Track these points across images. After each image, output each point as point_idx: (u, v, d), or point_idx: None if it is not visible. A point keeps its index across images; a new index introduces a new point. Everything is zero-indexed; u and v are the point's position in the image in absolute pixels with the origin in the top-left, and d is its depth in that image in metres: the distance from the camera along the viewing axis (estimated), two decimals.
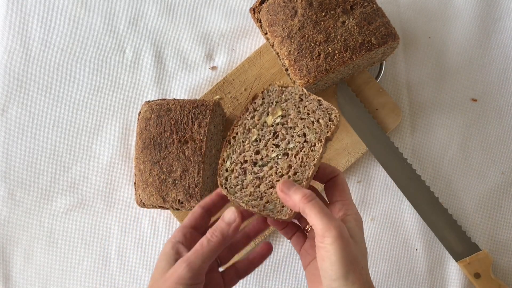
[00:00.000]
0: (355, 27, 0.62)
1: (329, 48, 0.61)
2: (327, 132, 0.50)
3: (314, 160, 0.50)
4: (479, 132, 0.72)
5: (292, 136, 0.51)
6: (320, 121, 0.51)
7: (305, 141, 0.51)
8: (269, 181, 0.51)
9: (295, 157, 0.51)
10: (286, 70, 0.65)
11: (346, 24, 0.62)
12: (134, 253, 0.72)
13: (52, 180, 0.73)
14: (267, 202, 0.50)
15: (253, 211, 0.50)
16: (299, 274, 0.70)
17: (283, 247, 0.70)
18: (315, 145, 0.50)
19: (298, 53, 0.62)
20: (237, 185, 0.51)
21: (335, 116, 0.50)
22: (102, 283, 0.71)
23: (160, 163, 0.62)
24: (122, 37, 0.76)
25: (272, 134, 0.52)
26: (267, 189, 0.51)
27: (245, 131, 0.53)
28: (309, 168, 0.50)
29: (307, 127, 0.51)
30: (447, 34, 0.73)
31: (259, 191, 0.51)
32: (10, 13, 0.76)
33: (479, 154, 0.71)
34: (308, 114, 0.51)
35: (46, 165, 0.73)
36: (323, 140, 0.50)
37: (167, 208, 0.64)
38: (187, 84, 0.74)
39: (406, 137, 0.72)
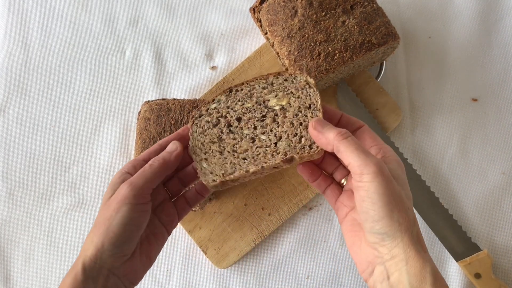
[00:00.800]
0: (355, 27, 0.61)
1: (329, 48, 0.61)
2: (297, 153, 0.48)
3: (266, 163, 0.49)
4: (479, 132, 0.72)
5: (271, 131, 0.50)
6: (302, 140, 0.49)
7: (275, 144, 0.50)
8: (223, 147, 0.51)
9: (256, 148, 0.50)
10: (286, 69, 0.65)
11: (346, 23, 0.62)
12: None
13: (52, 180, 0.73)
14: (206, 159, 0.51)
15: (192, 154, 0.51)
16: (299, 274, 0.70)
17: (283, 247, 0.70)
18: (278, 153, 0.49)
19: (298, 52, 0.62)
20: (201, 128, 0.52)
21: (315, 151, 0.47)
22: None
23: None
24: (122, 37, 0.75)
25: (261, 115, 0.51)
26: (215, 150, 0.51)
27: (248, 93, 0.52)
28: (257, 165, 0.49)
29: (288, 134, 0.50)
30: (448, 34, 0.73)
31: (209, 147, 0.51)
32: (9, 13, 0.76)
33: (479, 154, 0.71)
34: (301, 124, 0.49)
35: (45, 165, 0.73)
36: (287, 156, 0.48)
37: None
38: (187, 84, 0.74)
39: (406, 137, 0.72)
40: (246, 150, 0.50)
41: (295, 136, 0.49)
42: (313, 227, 0.71)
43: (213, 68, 0.74)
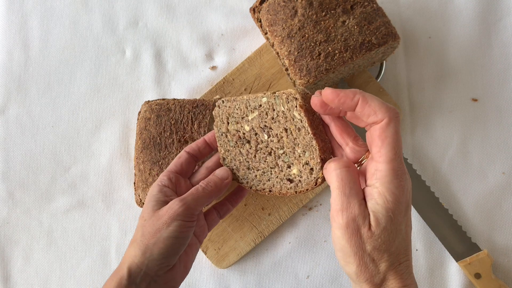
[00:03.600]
0: (355, 27, 0.61)
1: (329, 48, 0.61)
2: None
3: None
4: (479, 132, 0.71)
5: (264, 142, 0.49)
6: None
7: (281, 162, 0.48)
8: (236, 143, 0.51)
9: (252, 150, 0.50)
10: (286, 70, 0.65)
11: (346, 23, 0.62)
12: None
13: (52, 180, 0.73)
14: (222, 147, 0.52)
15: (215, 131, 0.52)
16: (299, 274, 0.70)
17: (283, 247, 0.70)
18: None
19: (298, 52, 0.62)
20: (219, 116, 0.52)
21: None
22: (102, 283, 0.71)
23: (160, 163, 0.62)
24: (122, 37, 0.75)
25: (269, 117, 0.49)
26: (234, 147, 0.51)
27: (270, 105, 0.48)
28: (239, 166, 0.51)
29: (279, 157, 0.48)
30: (448, 34, 0.73)
31: (229, 145, 0.51)
32: (9, 13, 0.76)
33: (479, 154, 0.71)
34: (295, 150, 0.47)
35: (45, 165, 0.73)
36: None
37: None
38: (187, 84, 0.74)
39: (406, 137, 0.72)
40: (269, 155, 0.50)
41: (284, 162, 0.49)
42: (313, 227, 0.71)
43: (213, 68, 0.74)
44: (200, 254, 0.70)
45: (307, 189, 0.47)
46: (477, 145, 0.71)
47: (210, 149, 0.54)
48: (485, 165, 0.71)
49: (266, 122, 0.49)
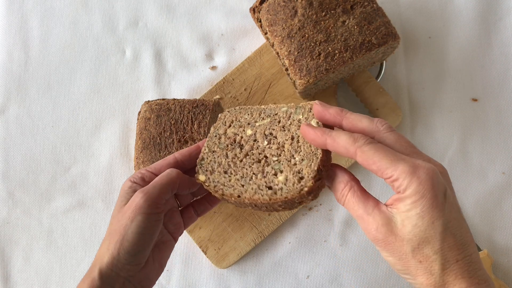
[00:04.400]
0: (355, 27, 0.61)
1: (329, 48, 0.61)
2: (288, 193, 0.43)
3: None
4: (479, 132, 0.71)
5: (268, 150, 0.47)
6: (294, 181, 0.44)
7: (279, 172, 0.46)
8: (238, 158, 0.48)
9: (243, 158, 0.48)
10: (286, 70, 0.65)
11: (346, 23, 0.62)
12: None
13: (52, 180, 0.73)
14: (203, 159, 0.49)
15: (201, 154, 0.50)
16: (299, 274, 0.70)
17: (283, 247, 0.70)
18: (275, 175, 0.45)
19: (298, 52, 0.62)
20: (216, 129, 0.51)
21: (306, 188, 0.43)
22: None
23: None
24: (122, 37, 0.75)
25: (276, 123, 0.48)
26: (232, 160, 0.49)
27: (271, 112, 0.49)
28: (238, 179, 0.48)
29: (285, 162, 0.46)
30: (448, 34, 0.73)
31: (227, 159, 0.49)
32: (9, 13, 0.76)
33: (479, 154, 0.71)
34: (293, 157, 0.45)
35: (45, 165, 0.73)
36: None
37: None
38: (187, 84, 0.74)
39: (406, 137, 0.71)
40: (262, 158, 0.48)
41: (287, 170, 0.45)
42: (313, 227, 0.71)
43: (213, 68, 0.74)
44: (200, 254, 0.70)
45: (285, 198, 0.43)
46: (477, 145, 0.71)
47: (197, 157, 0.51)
48: (485, 165, 0.71)
49: (273, 129, 0.48)
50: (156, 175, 0.48)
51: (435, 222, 0.37)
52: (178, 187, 0.47)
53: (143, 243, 0.44)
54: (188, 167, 0.50)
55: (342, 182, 0.42)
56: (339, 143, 0.40)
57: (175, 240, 0.50)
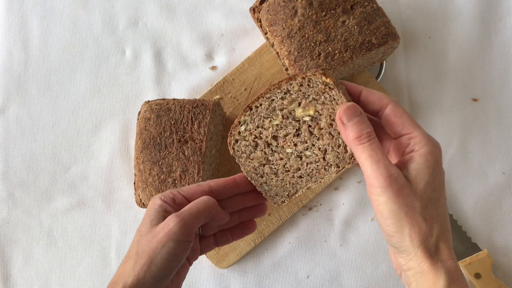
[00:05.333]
0: (355, 27, 0.61)
1: (329, 48, 0.61)
2: (349, 163, 0.47)
3: (323, 178, 0.48)
4: (479, 132, 0.71)
5: (313, 145, 0.48)
6: (348, 148, 0.46)
7: (323, 158, 0.48)
8: (275, 168, 0.49)
9: (306, 164, 0.49)
10: (286, 70, 0.65)
11: (346, 23, 0.62)
12: None
13: (52, 180, 0.73)
14: (265, 183, 0.50)
15: (251, 181, 0.50)
16: (299, 274, 0.70)
17: (283, 247, 0.70)
18: (330, 166, 0.48)
19: (298, 52, 0.62)
20: (244, 153, 0.50)
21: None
22: (102, 283, 0.71)
23: (160, 163, 0.62)
24: (122, 37, 0.75)
25: (295, 129, 0.48)
26: (270, 173, 0.50)
27: (270, 108, 0.48)
28: (315, 181, 0.49)
29: (332, 146, 0.47)
30: (448, 34, 0.73)
31: (262, 170, 0.50)
32: (9, 13, 0.76)
33: (479, 154, 0.71)
34: (339, 134, 0.46)
35: (45, 165, 0.73)
36: (340, 168, 0.48)
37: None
38: (187, 84, 0.74)
39: None
40: (299, 169, 0.49)
41: (339, 146, 0.47)
42: (313, 227, 0.71)
43: (213, 68, 0.74)
44: None
45: (347, 165, 0.47)
46: (477, 145, 0.71)
47: (237, 189, 0.50)
48: (485, 165, 0.71)
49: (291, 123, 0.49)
50: (187, 199, 0.47)
51: (442, 188, 0.41)
52: (211, 218, 0.46)
53: (170, 269, 0.44)
54: (221, 198, 0.49)
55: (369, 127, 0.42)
56: (374, 94, 0.44)
57: (190, 264, 0.50)
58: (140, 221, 0.72)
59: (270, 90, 0.48)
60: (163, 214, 0.45)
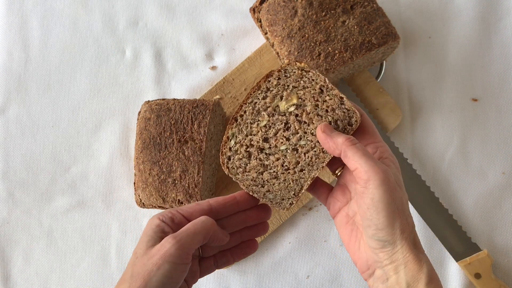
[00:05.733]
0: (355, 27, 0.61)
1: (329, 48, 0.61)
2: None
3: (324, 162, 0.48)
4: (479, 132, 0.71)
5: (305, 133, 0.48)
6: (339, 123, 0.47)
7: (318, 141, 0.47)
8: (274, 171, 0.49)
9: (304, 154, 0.48)
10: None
11: (346, 23, 0.62)
12: None
13: (52, 180, 0.73)
14: (268, 191, 0.49)
15: (253, 195, 0.49)
16: (299, 274, 0.70)
17: (283, 247, 0.70)
18: None
19: (298, 52, 0.62)
20: (240, 167, 0.49)
21: (356, 121, 0.46)
22: (102, 283, 0.71)
23: (160, 163, 0.62)
24: (122, 37, 0.75)
25: (283, 124, 0.48)
26: (270, 179, 0.49)
27: (255, 112, 0.49)
28: (317, 168, 0.48)
29: None
30: (448, 34, 0.73)
31: (262, 179, 0.49)
32: (9, 13, 0.76)
33: (479, 154, 0.71)
34: (327, 111, 0.47)
35: (45, 165, 0.73)
36: None
37: (167, 208, 0.64)
38: (187, 84, 0.74)
39: (406, 137, 0.72)
40: (298, 162, 0.48)
41: (331, 123, 0.47)
42: (313, 227, 0.71)
43: (213, 68, 0.74)
44: None
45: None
46: (477, 145, 0.71)
47: (237, 207, 0.49)
48: (485, 165, 0.71)
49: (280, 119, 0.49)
50: (187, 219, 0.46)
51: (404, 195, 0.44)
52: (210, 238, 0.45)
53: None
54: (221, 216, 0.48)
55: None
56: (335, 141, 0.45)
57: (189, 287, 0.48)
58: (140, 221, 0.73)
59: (250, 94, 0.49)
60: (160, 234, 0.44)
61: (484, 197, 0.70)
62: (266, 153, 0.49)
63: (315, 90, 0.47)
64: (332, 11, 0.62)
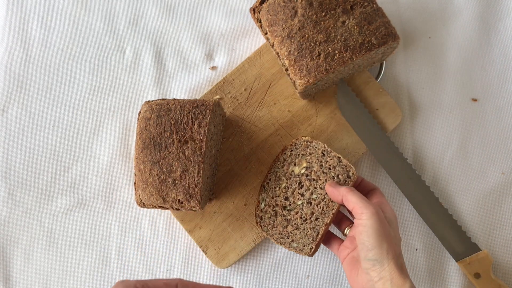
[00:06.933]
0: (355, 27, 0.62)
1: (329, 48, 0.61)
2: (348, 184, 0.60)
3: (333, 209, 0.61)
4: (479, 132, 0.72)
5: (315, 188, 0.62)
6: (340, 176, 0.61)
7: (327, 193, 0.61)
8: (295, 223, 0.62)
9: (317, 206, 0.61)
10: (286, 70, 0.65)
11: (346, 24, 0.62)
12: (134, 253, 0.72)
13: (52, 180, 0.73)
14: (292, 241, 0.62)
15: (282, 247, 0.63)
16: (299, 274, 0.70)
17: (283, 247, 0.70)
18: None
19: (298, 53, 0.62)
20: (269, 224, 0.64)
21: (353, 174, 0.60)
22: (102, 283, 0.71)
23: (160, 163, 0.62)
24: (122, 37, 0.76)
25: (298, 183, 0.63)
26: (293, 230, 0.62)
27: (276, 178, 0.64)
28: (328, 216, 0.61)
29: (328, 181, 0.61)
30: (447, 34, 0.73)
31: (287, 232, 0.63)
32: (10, 13, 0.76)
33: (479, 154, 0.71)
34: (329, 169, 0.62)
35: (46, 165, 0.73)
36: None
37: (167, 208, 0.64)
38: (187, 84, 0.74)
39: (406, 137, 0.72)
40: (313, 213, 0.62)
41: (333, 178, 0.61)
42: None
43: (213, 68, 0.74)
44: (200, 254, 0.70)
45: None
46: (476, 145, 0.71)
47: None
48: (485, 165, 0.71)
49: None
50: None
51: (396, 231, 0.56)
52: None
53: None
54: None
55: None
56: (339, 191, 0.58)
57: None
58: (140, 221, 0.73)
59: (272, 166, 0.65)
60: None
61: (483, 197, 0.70)
62: (287, 210, 0.63)
63: (318, 154, 0.63)
64: (332, 11, 0.62)
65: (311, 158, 0.63)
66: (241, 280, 0.70)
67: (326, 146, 0.62)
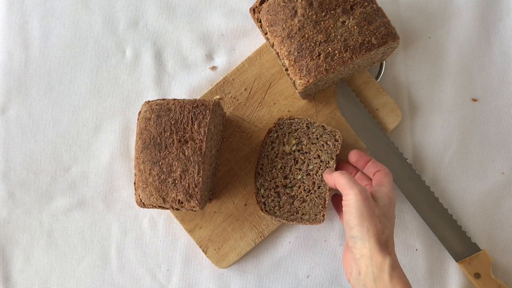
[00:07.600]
0: (355, 27, 0.62)
1: (329, 48, 0.61)
2: (336, 150, 0.65)
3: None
4: (479, 132, 0.72)
5: (309, 159, 0.65)
6: (328, 142, 0.65)
7: (321, 161, 0.65)
8: (300, 197, 0.65)
9: (315, 175, 0.65)
10: (286, 70, 0.65)
11: (346, 24, 0.62)
12: (134, 253, 0.72)
13: (52, 180, 0.73)
14: (303, 214, 0.65)
15: (294, 223, 0.65)
16: (299, 274, 0.70)
17: (283, 247, 0.70)
18: (328, 162, 0.65)
19: (298, 53, 0.62)
20: (275, 206, 0.65)
21: (339, 136, 0.65)
22: (102, 283, 0.71)
23: (160, 163, 0.62)
24: (122, 37, 0.76)
25: (293, 160, 0.65)
26: (300, 204, 0.65)
27: (269, 161, 0.66)
28: None
29: (319, 149, 0.65)
30: (447, 34, 0.73)
31: (295, 207, 0.65)
32: (10, 13, 0.76)
33: (479, 154, 0.71)
34: (317, 138, 0.65)
35: (46, 165, 0.73)
36: (334, 157, 0.65)
37: (167, 208, 0.64)
38: (187, 84, 0.74)
39: (406, 137, 0.72)
40: (314, 182, 0.65)
41: (323, 146, 0.65)
42: (313, 227, 0.71)
43: (213, 68, 0.74)
44: (200, 254, 0.70)
45: (337, 152, 0.66)
46: (476, 145, 0.71)
47: None
48: (485, 165, 0.71)
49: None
50: None
51: (393, 208, 0.58)
52: None
53: None
54: None
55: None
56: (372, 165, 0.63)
57: None
58: (140, 221, 0.73)
59: (261, 151, 0.66)
60: None
61: (483, 197, 0.70)
62: (289, 187, 0.65)
63: (304, 128, 0.66)
64: (332, 12, 0.62)
65: (297, 134, 0.66)
66: (241, 280, 0.70)
67: (309, 119, 0.66)
